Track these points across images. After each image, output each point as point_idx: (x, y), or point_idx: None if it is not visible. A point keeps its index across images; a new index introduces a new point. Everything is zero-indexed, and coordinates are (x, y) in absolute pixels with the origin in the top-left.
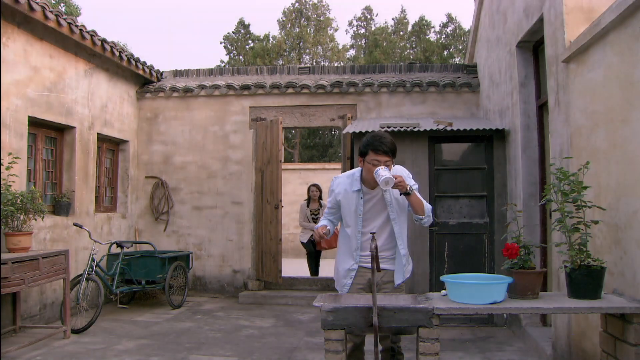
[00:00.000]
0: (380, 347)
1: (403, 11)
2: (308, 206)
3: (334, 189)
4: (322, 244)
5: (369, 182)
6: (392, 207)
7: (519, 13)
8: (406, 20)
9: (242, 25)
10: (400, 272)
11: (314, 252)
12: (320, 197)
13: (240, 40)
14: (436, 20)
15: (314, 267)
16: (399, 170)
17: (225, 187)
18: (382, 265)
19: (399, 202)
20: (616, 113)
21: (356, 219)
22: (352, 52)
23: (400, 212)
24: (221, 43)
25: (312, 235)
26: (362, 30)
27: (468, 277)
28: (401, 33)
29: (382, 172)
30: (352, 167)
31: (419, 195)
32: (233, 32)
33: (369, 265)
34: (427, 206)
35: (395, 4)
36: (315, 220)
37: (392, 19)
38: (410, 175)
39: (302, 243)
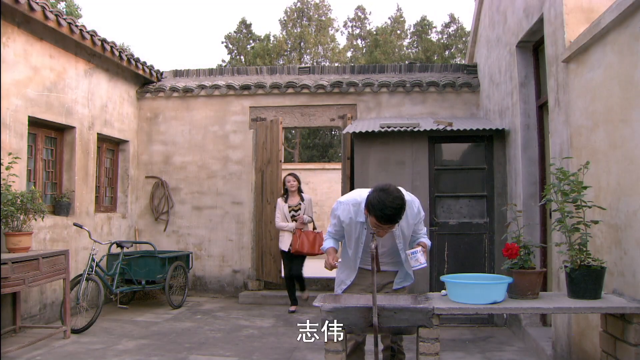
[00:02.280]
0: (380, 346)
1: (399, 9)
2: (286, 202)
3: (339, 214)
4: (299, 247)
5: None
6: (400, 239)
7: (519, 13)
8: (402, 19)
9: (244, 24)
10: (400, 280)
11: (291, 265)
12: (300, 190)
13: (241, 40)
14: (438, 20)
15: (289, 272)
16: (409, 204)
17: (225, 187)
18: (384, 267)
19: (405, 234)
20: (616, 113)
21: (357, 246)
22: (349, 53)
23: (407, 242)
24: (222, 43)
25: (291, 244)
26: (357, 31)
27: (468, 277)
28: (398, 32)
29: (418, 261)
30: (352, 167)
31: (428, 244)
32: (235, 32)
33: (370, 267)
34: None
35: (390, 2)
36: (295, 219)
37: (389, 18)
38: (421, 209)
39: (281, 252)
